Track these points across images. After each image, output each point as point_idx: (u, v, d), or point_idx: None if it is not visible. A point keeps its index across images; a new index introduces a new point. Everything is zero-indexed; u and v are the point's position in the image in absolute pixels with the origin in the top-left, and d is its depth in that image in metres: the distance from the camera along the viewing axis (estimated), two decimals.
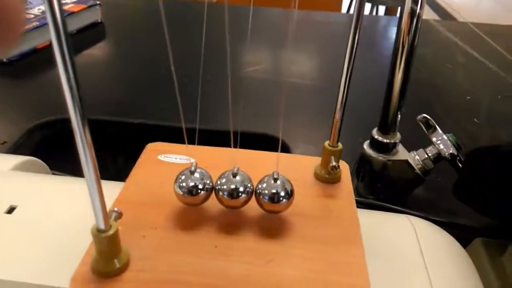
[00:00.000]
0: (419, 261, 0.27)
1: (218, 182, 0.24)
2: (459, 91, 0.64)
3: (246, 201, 0.24)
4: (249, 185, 0.24)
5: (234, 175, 0.24)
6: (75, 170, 0.38)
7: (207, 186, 0.24)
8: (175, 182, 0.24)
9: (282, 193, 0.23)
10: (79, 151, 0.18)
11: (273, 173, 0.24)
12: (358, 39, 0.25)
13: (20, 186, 0.31)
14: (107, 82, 0.64)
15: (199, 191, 0.24)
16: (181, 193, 0.24)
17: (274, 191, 0.23)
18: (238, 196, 0.24)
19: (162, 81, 0.62)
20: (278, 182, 0.24)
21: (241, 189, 0.24)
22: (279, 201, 0.24)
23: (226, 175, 0.24)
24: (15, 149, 0.48)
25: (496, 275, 0.33)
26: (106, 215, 0.19)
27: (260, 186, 0.24)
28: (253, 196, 0.24)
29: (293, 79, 0.66)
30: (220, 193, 0.24)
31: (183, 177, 0.24)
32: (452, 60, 0.73)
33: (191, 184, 0.23)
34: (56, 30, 0.15)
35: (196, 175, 0.24)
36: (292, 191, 0.24)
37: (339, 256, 0.23)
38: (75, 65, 0.16)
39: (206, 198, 0.24)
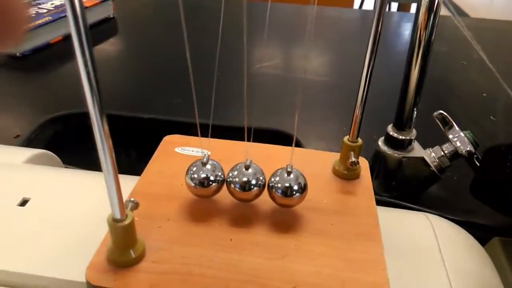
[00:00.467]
0: (437, 258, 0.26)
1: (230, 175, 0.23)
2: (474, 88, 0.62)
3: (258, 194, 0.24)
4: (261, 178, 0.24)
5: (247, 168, 0.23)
6: (87, 164, 0.38)
7: (218, 178, 0.23)
8: (187, 173, 0.23)
9: (296, 187, 0.23)
10: (96, 139, 0.17)
11: (286, 166, 0.23)
12: (380, 33, 0.24)
13: (33, 179, 0.31)
14: (120, 77, 0.64)
15: (211, 183, 0.23)
16: (193, 184, 0.23)
17: (287, 184, 0.23)
18: (250, 189, 0.23)
19: (175, 76, 0.62)
20: (292, 175, 0.23)
21: (253, 182, 0.23)
22: (292, 195, 0.23)
23: (238, 167, 0.24)
24: (28, 143, 0.48)
25: None
26: (122, 204, 0.19)
27: (273, 179, 0.23)
28: (266, 190, 0.24)
29: (305, 76, 0.66)
30: (232, 185, 0.23)
31: (194, 169, 0.23)
32: (468, 57, 0.72)
33: (203, 175, 0.23)
34: (75, 21, 0.15)
35: (208, 166, 0.23)
36: (305, 185, 0.23)
37: (357, 253, 0.22)
38: (92, 48, 0.16)
39: (218, 190, 0.24)
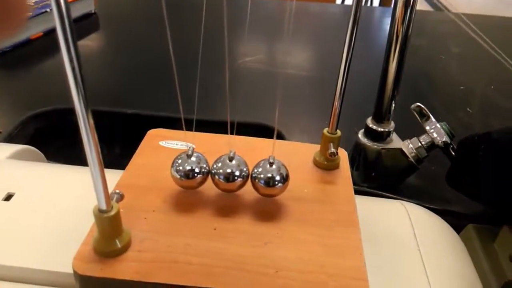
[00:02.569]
0: (412, 244, 0.28)
1: (214, 166, 0.24)
2: (452, 81, 0.64)
3: (242, 185, 0.25)
4: (244, 169, 0.24)
5: (230, 159, 0.24)
6: (69, 160, 0.38)
7: (203, 170, 0.24)
8: (172, 165, 0.24)
9: (278, 177, 0.24)
10: (81, 132, 0.18)
11: (269, 157, 0.24)
12: (357, 24, 0.25)
13: (17, 174, 0.31)
14: (102, 73, 0.64)
15: (196, 174, 0.24)
16: (178, 176, 0.24)
17: (269, 175, 0.24)
18: (234, 180, 0.24)
19: (157, 71, 0.62)
20: (274, 166, 0.24)
21: (237, 173, 0.24)
22: (274, 185, 0.24)
23: (222, 159, 0.24)
24: (10, 139, 0.48)
25: (488, 260, 0.34)
26: (107, 195, 0.19)
27: (256, 170, 0.24)
28: (249, 180, 0.25)
29: (288, 70, 0.66)
30: (216, 176, 0.24)
31: (179, 161, 0.24)
32: (446, 51, 0.74)
33: (188, 167, 0.24)
34: (60, 16, 0.15)
35: (193, 159, 0.24)
36: (287, 175, 0.24)
37: (336, 239, 0.23)
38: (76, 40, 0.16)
39: (203, 181, 0.24)
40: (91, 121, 0.18)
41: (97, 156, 0.18)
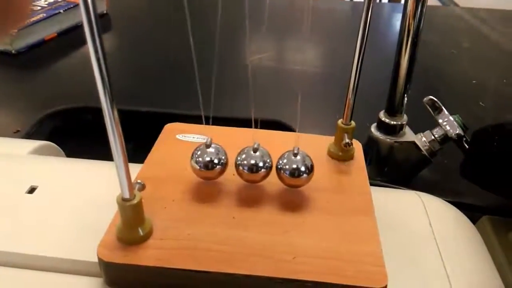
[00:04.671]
0: (428, 233, 0.28)
1: (239, 158, 0.25)
2: (464, 75, 0.64)
3: (265, 176, 0.25)
4: (268, 160, 0.25)
5: (255, 151, 0.25)
6: (86, 155, 0.39)
7: (222, 161, 0.25)
8: (192, 157, 0.25)
9: (303, 168, 0.24)
10: (106, 123, 0.18)
11: (293, 148, 0.25)
12: (371, 15, 0.25)
13: (39, 168, 0.31)
14: (114, 73, 0.64)
15: (215, 165, 0.24)
16: (198, 167, 0.24)
17: (294, 166, 0.24)
18: (258, 171, 0.24)
19: (169, 70, 0.63)
20: (298, 157, 0.25)
21: (261, 164, 0.24)
22: (299, 175, 0.24)
23: (246, 150, 0.25)
24: (28, 137, 0.49)
25: (503, 251, 0.34)
26: (131, 184, 0.20)
27: (281, 161, 0.25)
28: (272, 171, 0.25)
29: (298, 66, 0.67)
30: (241, 167, 0.25)
31: (199, 152, 0.25)
32: (457, 46, 0.73)
33: (207, 158, 0.24)
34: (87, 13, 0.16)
35: (211, 149, 0.25)
36: (312, 166, 0.25)
37: (353, 227, 0.24)
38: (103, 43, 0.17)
39: (221, 172, 0.25)
40: (116, 114, 0.18)
41: (121, 147, 0.19)
